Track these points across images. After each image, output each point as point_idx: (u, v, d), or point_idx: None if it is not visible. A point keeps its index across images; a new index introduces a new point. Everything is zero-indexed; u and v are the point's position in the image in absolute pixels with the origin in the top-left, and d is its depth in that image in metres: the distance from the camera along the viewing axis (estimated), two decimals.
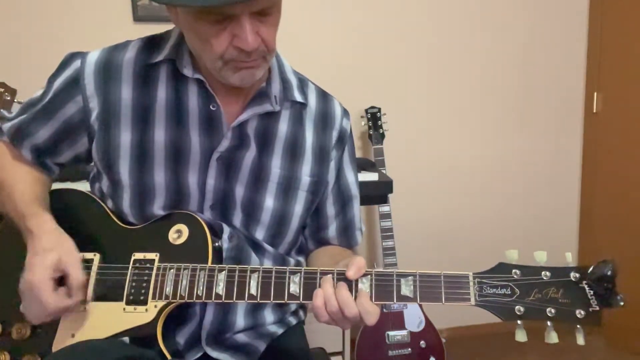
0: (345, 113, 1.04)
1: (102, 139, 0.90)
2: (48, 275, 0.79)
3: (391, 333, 2.00)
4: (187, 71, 0.88)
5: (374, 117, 2.15)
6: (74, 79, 0.90)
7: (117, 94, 0.89)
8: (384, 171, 2.05)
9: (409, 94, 2.34)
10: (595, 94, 2.44)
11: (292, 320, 1.06)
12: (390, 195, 1.92)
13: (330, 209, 1.03)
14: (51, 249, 0.81)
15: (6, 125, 0.96)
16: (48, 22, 1.97)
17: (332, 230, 1.04)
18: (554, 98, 2.48)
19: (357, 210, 1.07)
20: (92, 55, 0.91)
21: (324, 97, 1.02)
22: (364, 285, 0.78)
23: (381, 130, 2.14)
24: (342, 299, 0.75)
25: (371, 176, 1.86)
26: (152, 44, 0.92)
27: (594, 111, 2.45)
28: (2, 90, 1.58)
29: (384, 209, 2.05)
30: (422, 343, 2.00)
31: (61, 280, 0.82)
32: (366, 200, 1.78)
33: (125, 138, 0.89)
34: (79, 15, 1.99)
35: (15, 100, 1.59)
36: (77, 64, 0.90)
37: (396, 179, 1.88)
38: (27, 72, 1.91)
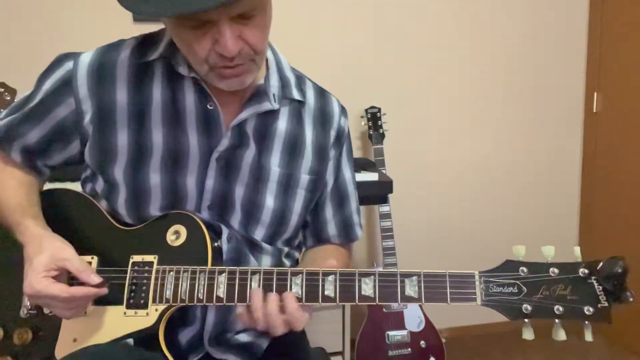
0: (343, 111, 1.03)
1: (96, 142, 0.87)
2: (41, 275, 0.77)
3: (391, 333, 2.00)
4: (183, 69, 0.85)
5: (374, 117, 2.14)
6: (65, 81, 0.87)
7: (112, 96, 0.86)
8: (384, 171, 2.05)
9: (409, 94, 2.33)
10: (595, 94, 2.44)
11: None
12: (390, 195, 1.92)
13: (329, 209, 1.03)
14: (39, 253, 0.79)
15: None
16: (48, 22, 1.97)
17: (331, 228, 1.04)
18: (554, 98, 2.48)
19: (355, 205, 1.07)
20: (85, 57, 0.88)
21: (322, 94, 1.01)
22: (367, 286, 0.77)
23: (381, 130, 2.14)
24: (268, 311, 0.77)
25: (371, 176, 1.85)
26: (146, 42, 0.90)
27: (594, 111, 2.45)
28: (2, 90, 1.58)
29: (384, 209, 2.05)
30: (422, 343, 2.00)
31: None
32: (366, 200, 1.77)
33: (122, 140, 0.87)
34: (79, 15, 1.99)
35: (15, 100, 1.59)
36: (69, 65, 0.88)
37: (396, 179, 1.88)
38: (27, 72, 1.90)
